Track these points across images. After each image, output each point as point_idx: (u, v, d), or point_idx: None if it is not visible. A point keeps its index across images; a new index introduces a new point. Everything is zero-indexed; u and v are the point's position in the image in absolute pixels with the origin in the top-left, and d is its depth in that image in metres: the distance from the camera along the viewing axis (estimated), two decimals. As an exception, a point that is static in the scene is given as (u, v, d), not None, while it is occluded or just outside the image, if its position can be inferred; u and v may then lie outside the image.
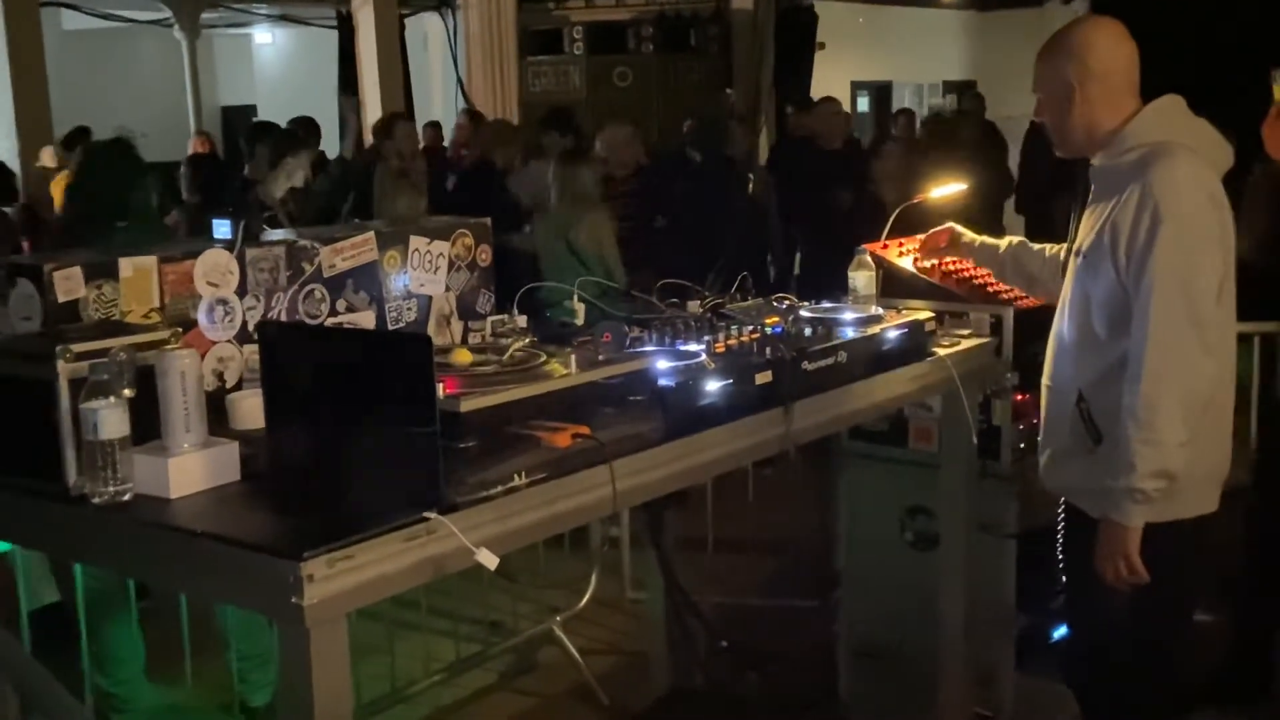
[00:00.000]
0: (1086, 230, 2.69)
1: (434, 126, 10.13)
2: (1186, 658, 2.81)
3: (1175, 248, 2.48)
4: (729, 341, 2.54)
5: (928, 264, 3.40)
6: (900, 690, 3.53)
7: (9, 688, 2.42)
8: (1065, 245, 3.02)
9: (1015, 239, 3.23)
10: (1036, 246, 3.17)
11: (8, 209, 6.94)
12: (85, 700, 3.64)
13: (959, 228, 3.35)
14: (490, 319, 2.73)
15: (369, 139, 8.47)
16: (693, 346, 2.47)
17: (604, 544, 4.89)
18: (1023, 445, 3.40)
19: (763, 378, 2.45)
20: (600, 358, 2.36)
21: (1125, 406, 2.51)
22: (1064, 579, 3.12)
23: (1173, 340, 2.48)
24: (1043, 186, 7.68)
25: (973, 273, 3.42)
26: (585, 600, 4.67)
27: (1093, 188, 2.72)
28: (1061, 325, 2.76)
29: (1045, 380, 2.83)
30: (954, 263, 3.42)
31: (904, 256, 3.41)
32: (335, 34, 12.12)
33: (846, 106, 14.17)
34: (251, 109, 14.42)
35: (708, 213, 6.54)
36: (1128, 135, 2.61)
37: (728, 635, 3.95)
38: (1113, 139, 2.63)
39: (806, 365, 2.56)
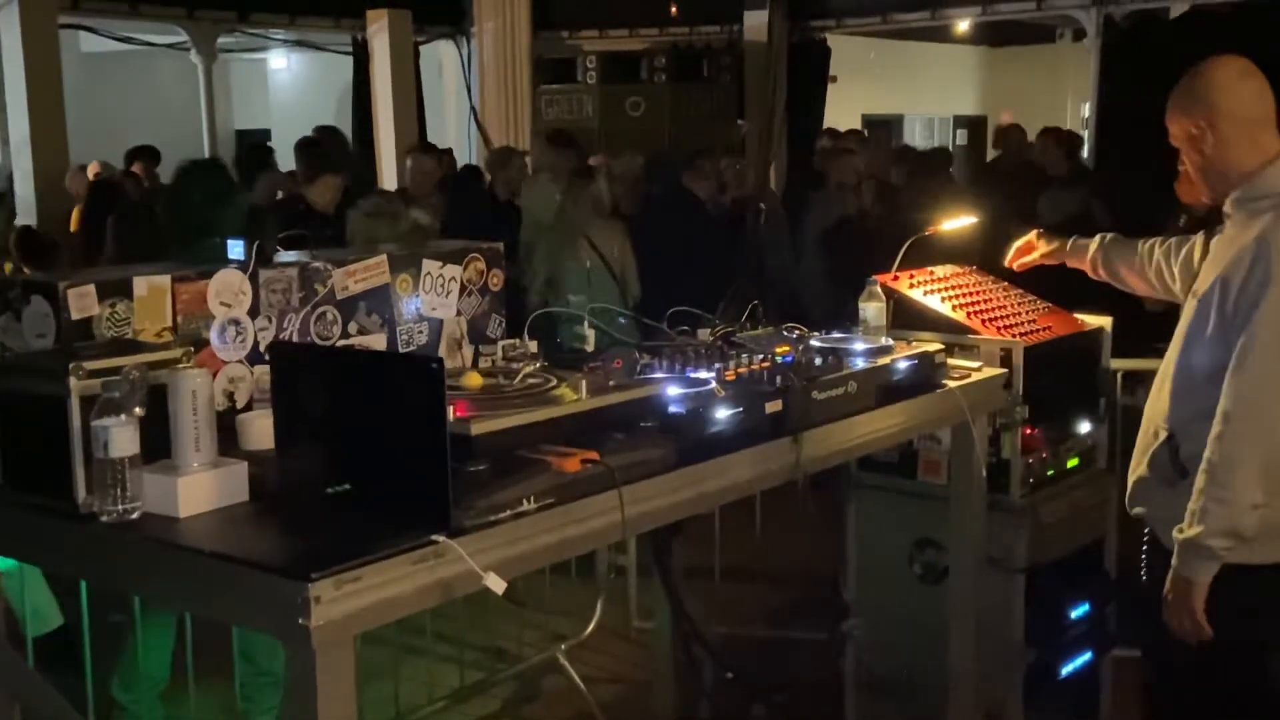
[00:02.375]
0: (1206, 273, 2.69)
1: (447, 153, 10.18)
2: (1266, 706, 2.71)
3: (1279, 311, 2.48)
4: (739, 369, 2.53)
5: (1020, 264, 3.42)
6: (907, 724, 3.51)
7: (13, 702, 2.42)
8: (1160, 239, 3.07)
9: (1109, 235, 3.24)
10: (1126, 243, 3.18)
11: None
12: (89, 716, 3.63)
13: (1044, 234, 3.37)
14: (501, 343, 2.73)
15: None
16: (703, 374, 2.47)
17: (610, 572, 4.88)
18: (1031, 479, 3.39)
19: (773, 406, 2.44)
20: (611, 383, 2.36)
21: (1206, 458, 2.51)
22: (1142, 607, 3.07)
23: (1262, 402, 2.48)
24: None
25: (985, 305, 3.42)
26: (591, 628, 4.66)
27: (1224, 231, 2.71)
28: (1170, 360, 2.77)
29: (1146, 409, 2.83)
30: (968, 294, 3.43)
31: (915, 288, 3.41)
32: (350, 60, 12.20)
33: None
34: (266, 133, 14.50)
35: (675, 248, 6.59)
36: (1262, 181, 2.60)
37: (734, 665, 3.92)
38: (1248, 181, 2.62)
39: (816, 394, 2.56)
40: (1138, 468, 2.81)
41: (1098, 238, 3.25)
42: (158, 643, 3.78)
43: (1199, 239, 2.97)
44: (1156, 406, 2.77)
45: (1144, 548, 2.95)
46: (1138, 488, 2.81)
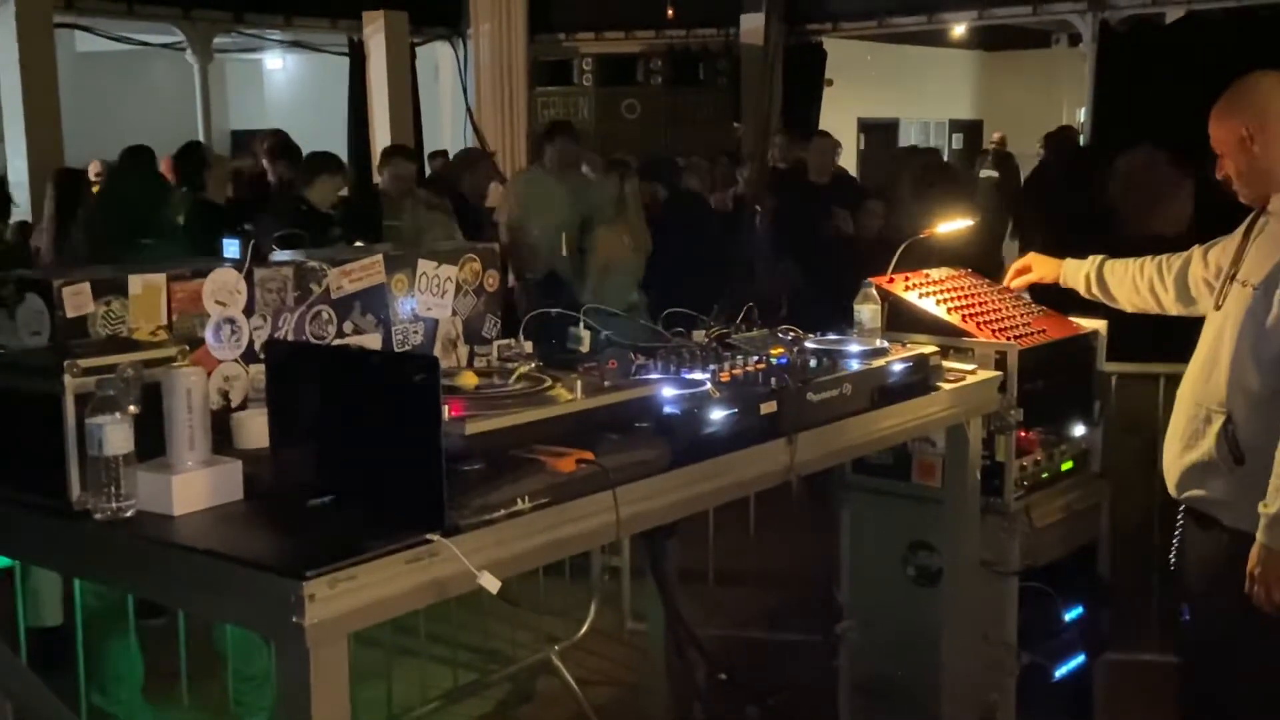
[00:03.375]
0: (1258, 262, 2.82)
1: (442, 155, 10.19)
2: None
3: None
4: (734, 371, 2.53)
5: (1017, 284, 3.57)
6: (900, 726, 3.51)
7: (5, 699, 2.41)
8: (1150, 256, 3.24)
9: (1101, 257, 3.39)
10: (1118, 261, 3.34)
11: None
12: (81, 716, 3.62)
13: (1039, 256, 3.54)
14: (496, 343, 2.73)
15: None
16: (698, 375, 2.47)
17: (604, 573, 4.87)
18: (1026, 482, 3.39)
19: (767, 407, 2.44)
20: (606, 384, 2.36)
21: None
22: (1183, 590, 3.13)
23: None
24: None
25: (980, 308, 3.42)
26: (584, 630, 4.66)
27: (1268, 224, 2.86)
28: (1217, 349, 2.86)
29: (1191, 398, 2.92)
30: (963, 296, 3.44)
31: (910, 290, 3.42)
32: (346, 61, 12.19)
33: (853, 143, 14.26)
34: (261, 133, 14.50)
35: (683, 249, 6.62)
36: None
37: (728, 668, 3.92)
38: None
39: (811, 396, 2.56)
40: (1189, 452, 2.90)
41: (1090, 260, 3.39)
42: (118, 642, 3.76)
43: (1197, 250, 3.13)
44: (1206, 391, 2.87)
45: (1176, 535, 3.04)
46: (1192, 472, 2.89)
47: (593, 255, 6.04)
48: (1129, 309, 3.36)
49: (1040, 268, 3.51)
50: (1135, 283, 3.27)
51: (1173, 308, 3.21)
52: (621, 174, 6.29)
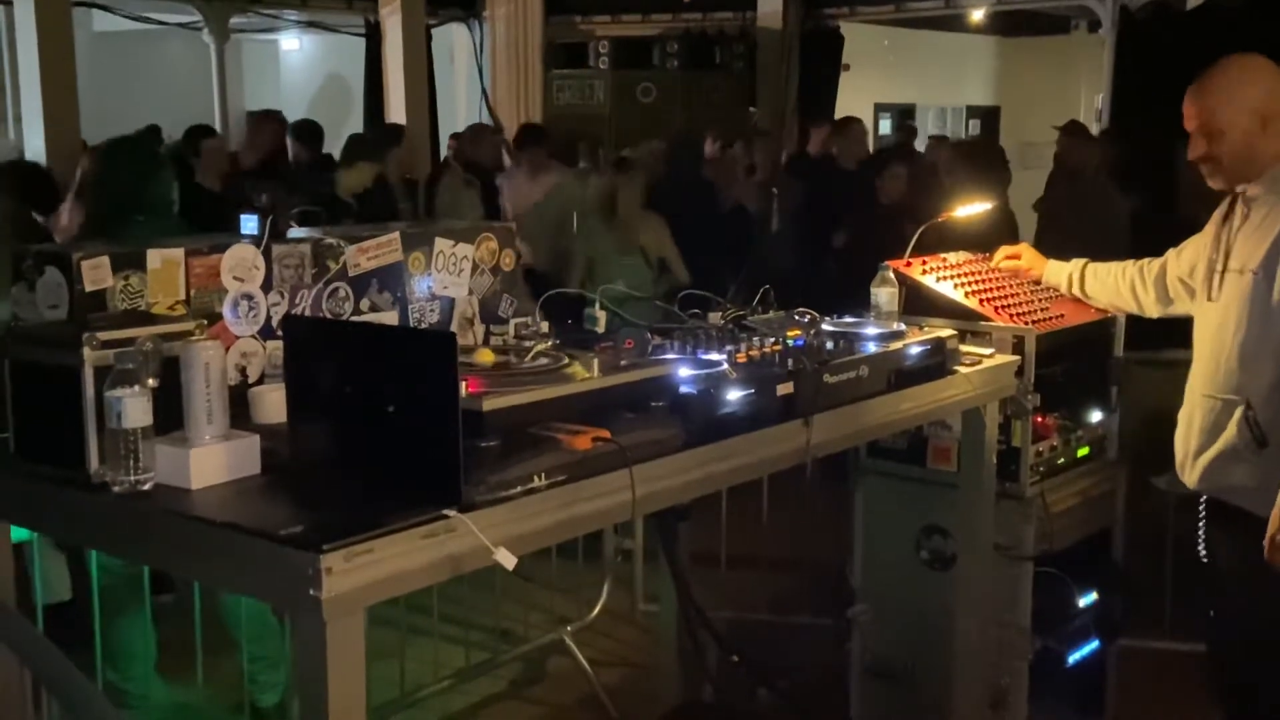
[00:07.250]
0: (1250, 249, 2.82)
1: (458, 138, 10.17)
2: None
3: None
4: (751, 352, 2.53)
5: (1002, 266, 3.57)
6: (911, 712, 3.51)
7: (22, 667, 2.42)
8: (1132, 260, 3.30)
9: (1083, 261, 3.46)
10: (1103, 268, 3.40)
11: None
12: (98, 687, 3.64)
13: (1030, 250, 3.59)
14: (514, 321, 2.73)
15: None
16: (714, 356, 2.46)
17: (617, 555, 4.88)
18: (1041, 468, 3.39)
19: (784, 389, 2.44)
20: (622, 363, 2.36)
21: None
22: (1211, 581, 3.12)
23: None
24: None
25: (997, 292, 3.41)
26: (596, 611, 4.67)
27: (1247, 212, 2.86)
28: (1221, 339, 2.86)
29: (1203, 391, 2.92)
30: (981, 280, 3.43)
31: (927, 274, 3.41)
32: (362, 42, 12.17)
33: (869, 128, 14.17)
34: (277, 115, 14.49)
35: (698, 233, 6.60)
36: None
37: (739, 650, 3.92)
38: (1273, 165, 2.81)
39: (828, 378, 2.56)
40: (1210, 445, 2.88)
41: (1074, 262, 3.47)
42: (132, 619, 3.77)
43: (1171, 253, 3.18)
44: (1217, 382, 2.87)
45: (1200, 528, 3.02)
46: (1216, 464, 2.88)
47: (579, 251, 6.06)
48: (1110, 311, 3.45)
49: (1028, 258, 3.56)
50: (1117, 285, 3.34)
51: (1152, 309, 3.27)
52: (614, 174, 6.27)
